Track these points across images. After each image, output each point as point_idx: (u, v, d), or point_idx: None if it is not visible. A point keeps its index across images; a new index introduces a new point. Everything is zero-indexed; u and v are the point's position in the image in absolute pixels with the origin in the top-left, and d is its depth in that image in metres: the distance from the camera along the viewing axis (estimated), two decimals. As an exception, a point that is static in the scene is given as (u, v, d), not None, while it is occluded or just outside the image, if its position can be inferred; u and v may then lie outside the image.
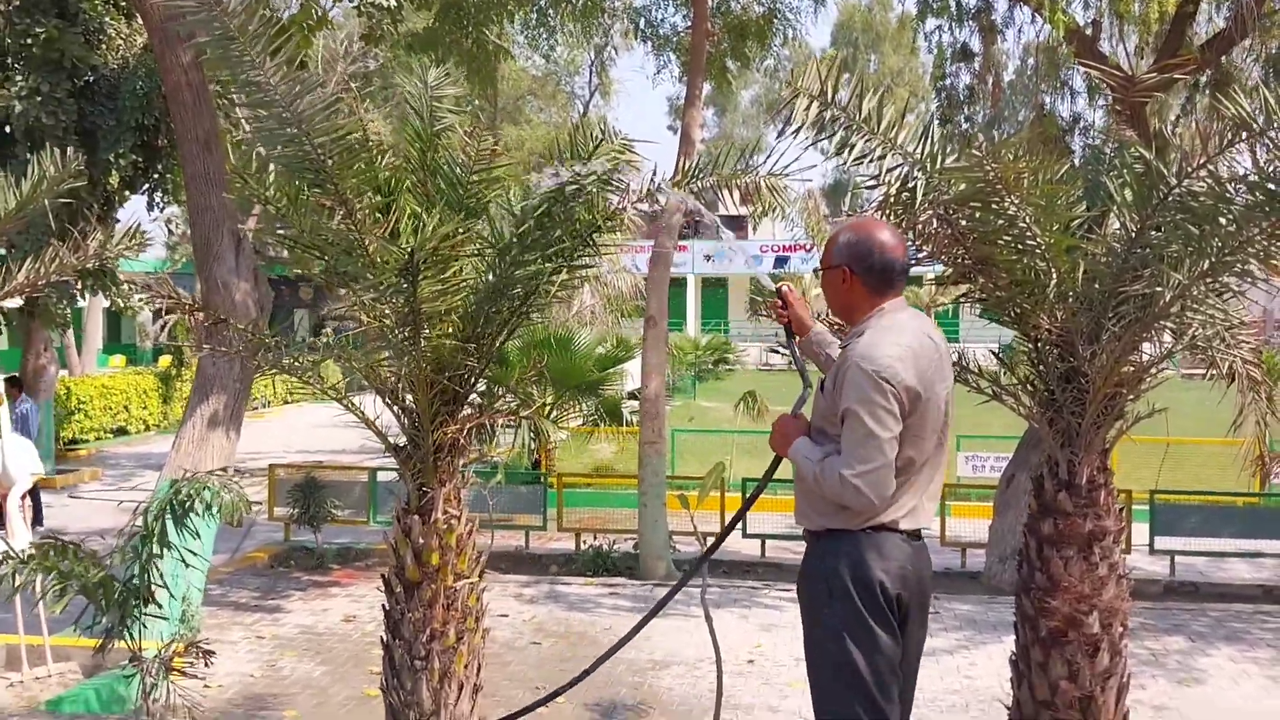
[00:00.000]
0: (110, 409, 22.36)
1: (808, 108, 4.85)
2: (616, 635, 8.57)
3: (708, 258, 47.75)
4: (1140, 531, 10.78)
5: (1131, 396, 4.83)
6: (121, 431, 22.82)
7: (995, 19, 11.02)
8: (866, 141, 4.87)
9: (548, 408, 13.82)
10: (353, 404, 5.22)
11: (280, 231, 5.44)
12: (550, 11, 11.98)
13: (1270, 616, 9.39)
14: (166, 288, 5.28)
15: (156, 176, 12.96)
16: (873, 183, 4.98)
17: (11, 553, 5.88)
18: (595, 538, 11.42)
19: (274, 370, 5.33)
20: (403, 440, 5.22)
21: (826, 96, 4.83)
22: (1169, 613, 9.32)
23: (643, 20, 12.97)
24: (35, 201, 6.26)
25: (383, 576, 5.26)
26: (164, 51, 9.02)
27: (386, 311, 4.82)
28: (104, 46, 12.46)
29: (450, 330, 4.88)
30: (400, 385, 5.09)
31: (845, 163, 4.99)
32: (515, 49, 20.01)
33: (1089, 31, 9.65)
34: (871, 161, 4.89)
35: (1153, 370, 4.77)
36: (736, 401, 17.58)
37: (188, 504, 4.99)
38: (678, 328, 43.71)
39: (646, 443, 10.78)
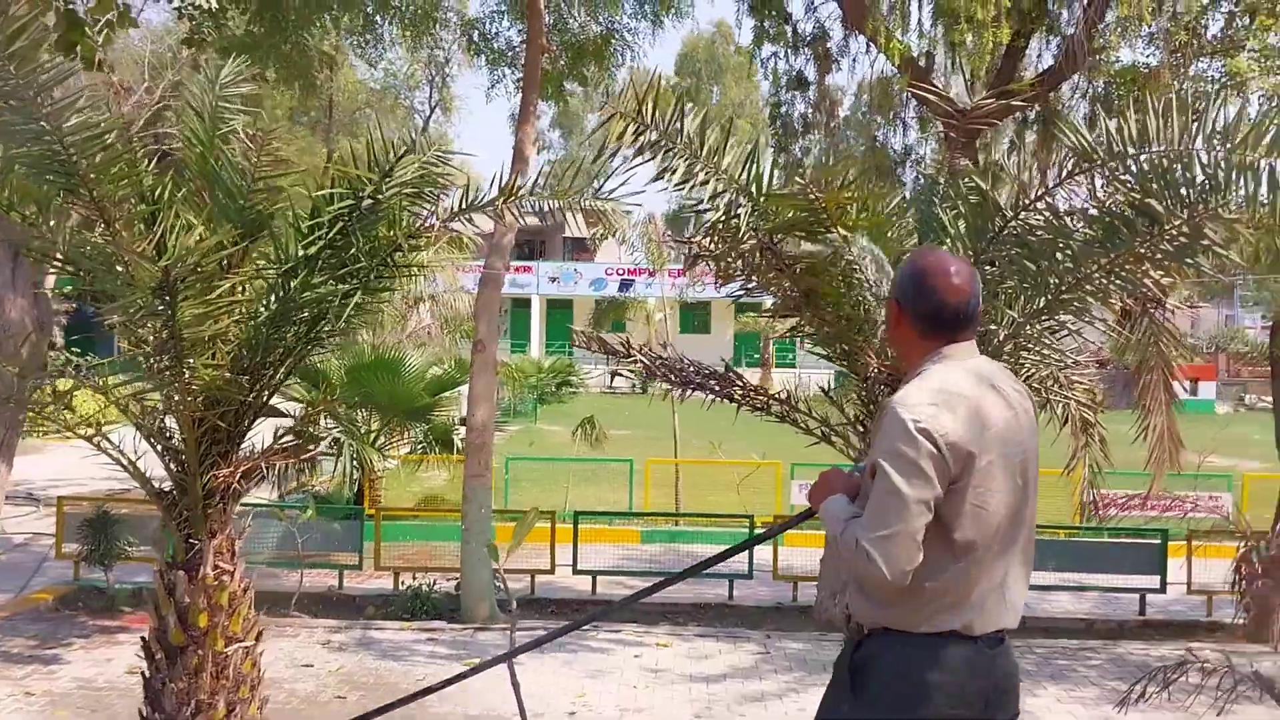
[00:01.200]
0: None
1: (624, 131, 4.48)
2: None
3: (553, 279, 47.34)
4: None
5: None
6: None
7: (831, 47, 10.95)
8: (689, 165, 4.53)
9: (372, 435, 13.16)
10: (109, 441, 4.57)
11: (35, 242, 4.76)
12: (378, 19, 11.39)
13: (1093, 653, 9.41)
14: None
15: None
16: (704, 207, 4.64)
17: None
18: (415, 577, 10.76)
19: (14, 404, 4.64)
20: (169, 484, 4.60)
21: (645, 118, 4.47)
22: (997, 649, 9.25)
23: (477, 33, 12.49)
24: None
25: (142, 640, 4.61)
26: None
27: (145, 336, 4.22)
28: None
29: (220, 360, 4.30)
30: (164, 422, 4.48)
31: (670, 187, 4.64)
32: (351, 60, 19.27)
33: (923, 63, 9.63)
34: (696, 186, 4.55)
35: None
36: (575, 428, 17.17)
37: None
38: (522, 350, 43.13)
39: (472, 475, 10.20)
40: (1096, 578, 10.85)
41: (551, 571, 10.96)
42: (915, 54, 9.56)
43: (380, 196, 4.41)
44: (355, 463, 11.33)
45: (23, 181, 4.50)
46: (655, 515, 14.19)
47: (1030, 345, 4.39)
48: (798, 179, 3.83)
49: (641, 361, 4.70)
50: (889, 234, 4.09)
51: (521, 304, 45.99)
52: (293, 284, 4.33)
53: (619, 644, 9.30)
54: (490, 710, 7.53)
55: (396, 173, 4.39)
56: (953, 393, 2.80)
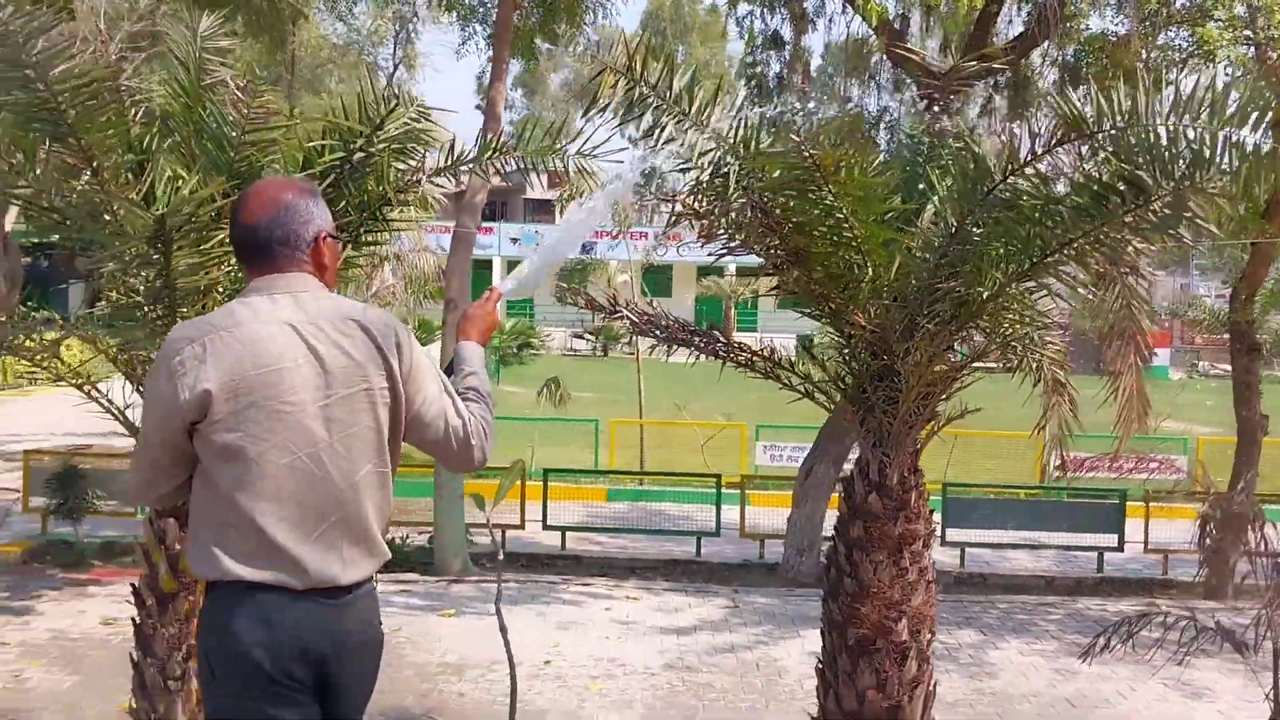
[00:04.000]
0: None
1: (614, 85, 4.50)
2: (405, 638, 8.10)
3: (514, 240, 47.13)
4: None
5: (944, 396, 4.70)
6: None
7: (807, 7, 10.99)
8: (677, 124, 4.57)
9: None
10: (98, 391, 4.58)
11: (17, 190, 4.73)
12: (350, -29, 11.28)
13: (1053, 608, 9.67)
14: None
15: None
16: (684, 166, 4.68)
17: None
18: (388, 530, 10.82)
19: (4, 351, 4.63)
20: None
21: (635, 74, 4.49)
22: (960, 605, 9.47)
23: (449, -13, 12.37)
24: None
25: (133, 586, 4.65)
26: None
27: (136, 286, 4.22)
28: None
29: (214, 308, 4.33)
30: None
31: (656, 146, 4.66)
32: (316, 14, 19.01)
33: (897, 26, 9.71)
34: (683, 145, 4.59)
35: (966, 370, 4.65)
36: (539, 389, 17.24)
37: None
38: (524, 313, 42.99)
39: (443, 431, 10.25)
40: (1055, 536, 11.13)
41: (522, 527, 11.05)
42: (890, 17, 9.64)
43: (371, 150, 4.44)
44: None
45: (10, 129, 4.48)
46: (626, 474, 14.29)
47: (1010, 305, 4.49)
48: (793, 136, 3.87)
49: (628, 317, 4.75)
50: (876, 192, 4.16)
51: (483, 265, 45.59)
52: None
53: (590, 597, 9.43)
54: (465, 658, 7.64)
55: (387, 126, 4.41)
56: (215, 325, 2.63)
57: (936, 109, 7.17)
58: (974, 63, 7.26)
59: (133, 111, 4.46)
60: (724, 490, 11.53)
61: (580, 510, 12.20)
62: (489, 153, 5.01)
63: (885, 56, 9.82)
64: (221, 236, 4.10)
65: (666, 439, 16.98)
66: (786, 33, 11.07)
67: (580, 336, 44.08)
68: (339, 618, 2.59)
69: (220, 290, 4.28)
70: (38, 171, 4.40)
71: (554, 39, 12.14)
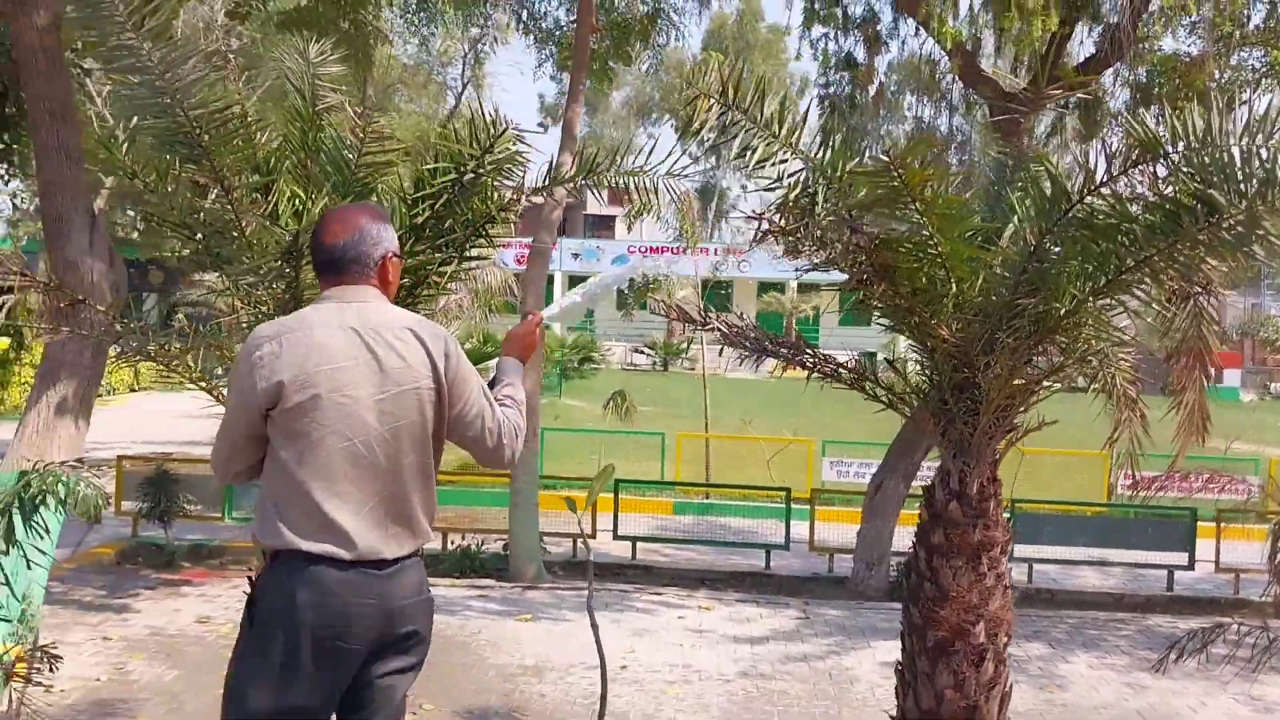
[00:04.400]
0: (-59, 393, 21.02)
1: (709, 110, 4.76)
2: (486, 640, 8.38)
3: (575, 255, 47.60)
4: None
5: (1022, 408, 4.87)
6: (-48, 416, 21.44)
7: (880, 30, 11.18)
8: (767, 145, 4.81)
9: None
10: (222, 395, 4.91)
11: (147, 209, 5.07)
12: (433, -5, 11.67)
13: (1122, 624, 9.72)
14: (18, 264, 4.88)
15: (2, 147, 12.15)
16: (772, 186, 4.91)
17: None
18: (463, 537, 11.14)
19: (137, 357, 4.97)
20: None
21: (728, 99, 4.75)
22: (1029, 619, 9.55)
23: (525, 12, 12.74)
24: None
25: (249, 578, 4.96)
26: (16, 13, 8.40)
27: (264, 297, 4.54)
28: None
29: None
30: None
31: (749, 166, 4.91)
32: (391, 35, 19.48)
33: (969, 47, 9.87)
34: (772, 165, 4.82)
35: (1043, 384, 4.82)
36: (606, 401, 17.52)
37: (38, 498, 4.59)
38: (548, 325, 43.43)
39: (520, 442, 10.56)
40: (1124, 554, 11.15)
41: (593, 536, 11.31)
42: (963, 39, 9.78)
43: (480, 171, 4.73)
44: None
45: (144, 151, 4.80)
46: (698, 486, 14.47)
47: (1087, 321, 4.65)
48: (882, 156, 4.09)
49: (719, 329, 4.99)
50: (961, 211, 4.36)
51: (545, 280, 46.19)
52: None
53: (663, 606, 9.64)
54: (544, 660, 7.89)
55: (497, 148, 4.70)
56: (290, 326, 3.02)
57: (1005, 132, 7.32)
58: (1058, 89, 7.41)
59: (259, 136, 4.78)
60: (792, 505, 11.70)
61: (648, 522, 12.44)
62: (585, 172, 5.27)
63: (958, 78, 9.99)
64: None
65: (732, 453, 17.14)
66: (860, 55, 11.28)
67: (640, 351, 44.60)
68: (385, 586, 2.96)
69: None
70: (169, 190, 4.73)
71: (627, 60, 12.45)
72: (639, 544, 11.54)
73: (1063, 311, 4.49)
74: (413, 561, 3.08)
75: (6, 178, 12.96)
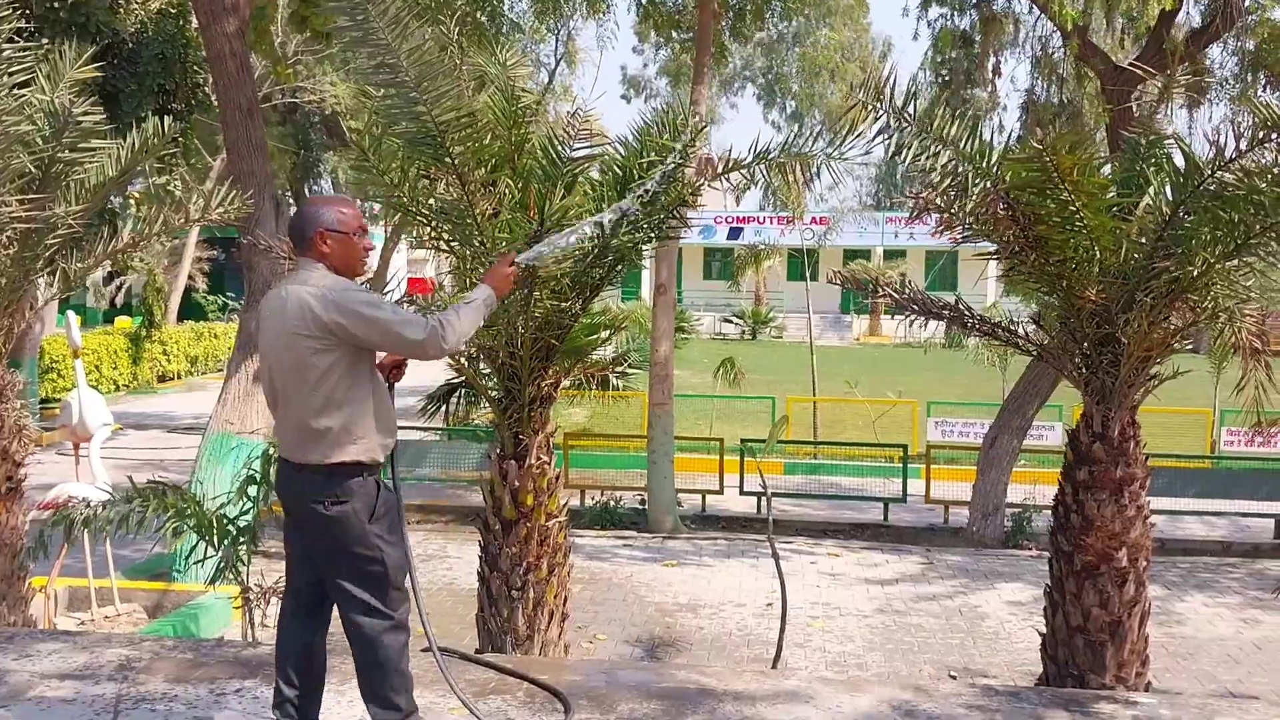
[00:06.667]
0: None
1: (869, 120, 5.40)
2: (641, 582, 9.21)
3: (662, 227, 48.09)
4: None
5: (1158, 360, 5.49)
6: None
7: (996, 9, 11.67)
8: (921, 142, 5.42)
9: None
10: (461, 364, 5.74)
11: (390, 201, 5.91)
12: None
13: (1233, 568, 10.25)
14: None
15: (170, 140, 13.15)
16: (927, 171, 5.54)
17: (112, 493, 6.36)
18: (603, 493, 12.02)
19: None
20: (497, 393, 5.75)
21: (886, 104, 5.38)
22: (1142, 564, 10.11)
23: (649, -2, 13.33)
24: (137, 165, 6.63)
25: (480, 516, 5.79)
26: (208, 22, 9.32)
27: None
28: (122, 10, 12.59)
29: (550, 293, 5.42)
30: (499, 343, 5.58)
31: (906, 162, 5.55)
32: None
33: (1082, 23, 10.30)
34: (927, 159, 5.45)
35: (1179, 337, 5.44)
36: (716, 368, 18.24)
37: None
38: (634, 296, 44.26)
39: (656, 404, 11.38)
40: (1233, 504, 11.62)
41: (720, 492, 12.12)
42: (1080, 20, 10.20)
43: (683, 161, 5.46)
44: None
45: (397, 152, 5.58)
46: (822, 444, 14.99)
47: (1216, 282, 5.25)
48: (1035, 143, 4.74)
49: (889, 294, 5.68)
50: (1104, 188, 4.99)
51: (633, 251, 46.80)
52: (608, 232, 5.39)
53: (795, 553, 10.38)
54: (696, 599, 8.70)
55: (699, 140, 5.43)
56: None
57: (1116, 107, 7.79)
58: (1189, 75, 7.90)
59: (487, 135, 5.55)
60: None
61: (772, 482, 13.15)
62: (760, 158, 5.95)
63: (1072, 55, 10.45)
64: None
65: (837, 416, 17.77)
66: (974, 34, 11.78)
67: (729, 320, 45.24)
68: (294, 482, 3.87)
69: (566, 278, 5.37)
70: (408, 185, 5.54)
71: (744, 38, 13.06)
72: (760, 499, 12.28)
73: (1195, 273, 5.09)
74: (318, 469, 3.71)
75: (170, 167, 13.98)
